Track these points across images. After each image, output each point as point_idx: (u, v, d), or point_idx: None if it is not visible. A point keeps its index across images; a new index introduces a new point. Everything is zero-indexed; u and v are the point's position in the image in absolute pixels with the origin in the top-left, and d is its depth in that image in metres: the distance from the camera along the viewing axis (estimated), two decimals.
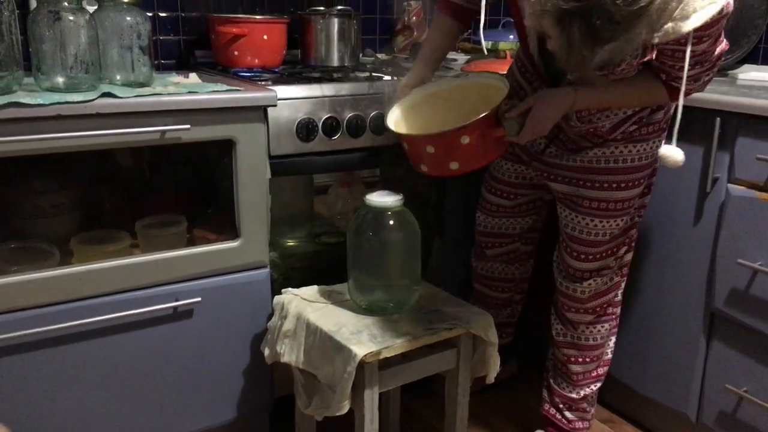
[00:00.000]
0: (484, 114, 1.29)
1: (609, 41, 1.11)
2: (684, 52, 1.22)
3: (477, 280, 1.86)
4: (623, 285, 1.64)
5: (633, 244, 1.61)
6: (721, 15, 1.17)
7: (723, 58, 1.31)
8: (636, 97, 1.38)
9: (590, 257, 1.56)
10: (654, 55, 1.29)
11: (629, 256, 1.62)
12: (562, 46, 1.13)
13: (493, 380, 1.51)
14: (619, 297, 1.64)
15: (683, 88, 1.26)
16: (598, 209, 1.51)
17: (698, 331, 1.65)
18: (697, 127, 1.56)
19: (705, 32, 1.19)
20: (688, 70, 1.24)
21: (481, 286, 1.86)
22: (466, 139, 1.30)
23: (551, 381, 1.73)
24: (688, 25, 1.16)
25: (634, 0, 1.05)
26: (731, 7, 1.18)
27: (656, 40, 1.20)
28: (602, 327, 1.63)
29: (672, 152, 1.27)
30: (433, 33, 1.59)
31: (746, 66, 2.01)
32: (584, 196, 1.52)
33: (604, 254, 1.55)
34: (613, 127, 1.44)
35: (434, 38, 1.57)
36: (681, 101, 1.28)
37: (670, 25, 1.16)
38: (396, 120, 1.45)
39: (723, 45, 1.27)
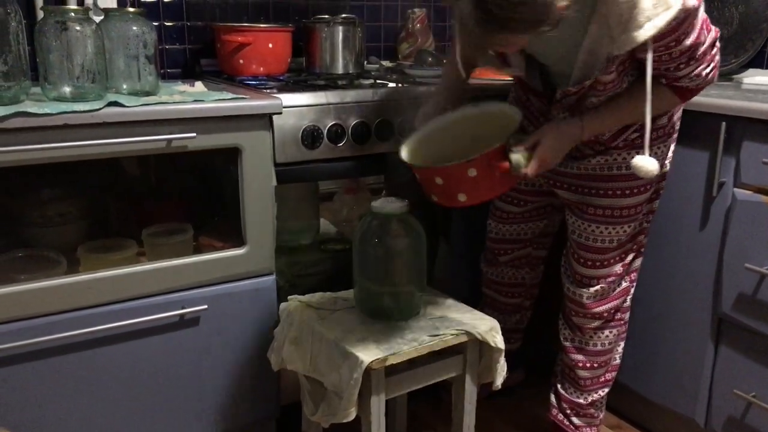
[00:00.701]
0: (491, 148, 1.30)
1: (506, 23, 1.09)
2: (671, 53, 1.23)
3: (487, 285, 1.86)
4: (632, 291, 1.64)
5: (642, 249, 1.61)
6: (684, 15, 1.17)
7: (718, 46, 1.29)
8: (641, 111, 1.33)
9: (597, 264, 1.55)
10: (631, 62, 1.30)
11: (638, 262, 1.61)
12: (461, 35, 1.13)
13: (500, 386, 1.51)
14: (628, 302, 1.64)
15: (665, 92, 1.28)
16: (604, 216, 1.51)
17: (706, 336, 1.64)
18: (703, 131, 1.56)
19: (672, 36, 1.19)
20: (685, 67, 1.25)
21: (491, 291, 1.85)
22: (473, 172, 1.30)
23: (559, 386, 1.72)
24: (642, 35, 1.17)
25: None
26: (693, 3, 1.17)
27: (616, 52, 1.22)
28: (610, 332, 1.63)
29: (644, 162, 1.28)
30: (447, 66, 1.60)
31: (751, 70, 2.01)
32: (589, 203, 1.52)
33: (611, 261, 1.55)
34: (614, 135, 1.44)
35: (449, 72, 1.57)
36: (648, 118, 1.27)
37: (624, 36, 1.18)
38: (412, 148, 1.46)
39: (712, 33, 1.26)
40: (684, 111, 1.53)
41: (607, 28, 1.21)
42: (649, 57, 1.22)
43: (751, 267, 1.50)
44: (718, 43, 1.29)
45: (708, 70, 1.29)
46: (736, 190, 1.54)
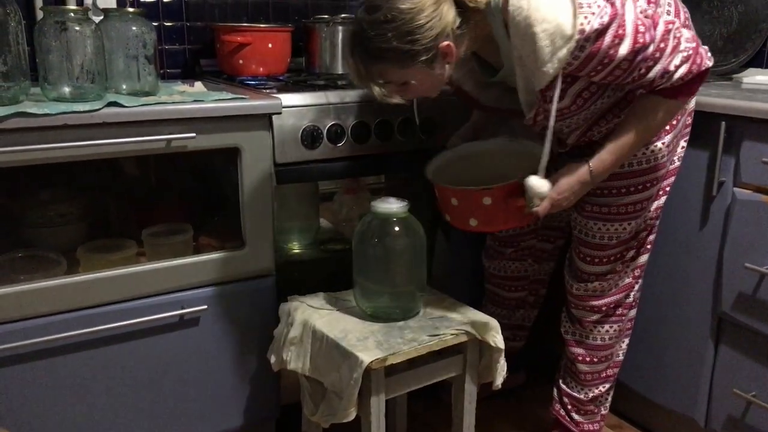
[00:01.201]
0: (509, 182, 1.33)
1: (381, 54, 1.25)
2: (620, 66, 1.22)
3: (489, 279, 1.87)
4: (637, 287, 1.63)
5: (649, 246, 1.60)
6: (587, 40, 1.18)
7: (679, 36, 1.23)
8: (643, 126, 1.33)
9: (596, 260, 1.55)
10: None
11: (643, 259, 1.60)
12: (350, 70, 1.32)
13: (500, 386, 1.51)
14: (631, 298, 1.63)
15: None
16: (601, 213, 1.51)
17: (706, 335, 1.64)
18: (703, 131, 1.56)
19: (599, 55, 1.20)
20: (647, 72, 1.23)
21: (493, 285, 1.86)
22: (488, 200, 1.34)
23: (560, 381, 1.73)
24: (551, 68, 1.21)
25: (372, 9, 1.23)
26: (594, 26, 1.17)
27: (538, 87, 1.27)
28: (610, 327, 1.63)
29: (536, 183, 1.30)
30: None
31: (751, 69, 2.01)
32: (587, 201, 1.52)
33: (612, 258, 1.55)
34: (604, 137, 1.43)
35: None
36: (548, 144, 1.29)
37: (539, 72, 1.23)
38: (438, 166, 1.50)
39: (660, 28, 1.22)
40: (694, 105, 1.52)
41: (526, 67, 1.26)
42: (557, 89, 1.25)
43: (751, 266, 1.50)
44: (679, 33, 1.24)
45: (677, 62, 1.23)
46: (735, 189, 1.54)
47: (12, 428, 1.37)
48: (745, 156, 1.51)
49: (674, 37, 1.24)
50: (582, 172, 1.36)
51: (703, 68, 1.27)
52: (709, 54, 1.29)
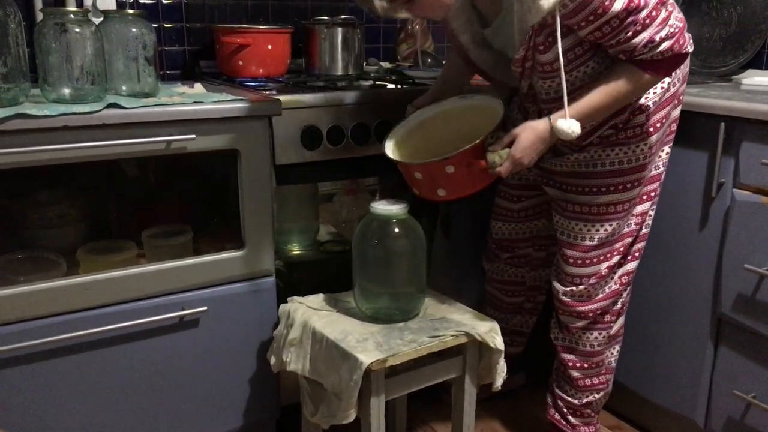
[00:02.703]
0: (468, 146, 1.32)
1: None
2: (609, 23, 1.22)
3: (489, 282, 1.88)
4: (624, 294, 1.62)
5: (637, 254, 1.60)
6: None
7: (671, 11, 1.24)
8: (614, 92, 1.32)
9: (578, 261, 1.55)
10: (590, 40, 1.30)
11: (630, 267, 1.59)
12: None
13: (499, 388, 1.51)
14: (619, 305, 1.62)
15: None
16: (581, 213, 1.51)
17: (705, 336, 1.64)
18: (702, 132, 1.56)
19: (594, 3, 1.20)
20: (633, 36, 1.23)
21: (492, 288, 1.87)
22: (450, 169, 1.34)
23: (554, 385, 1.72)
24: (546, 3, 1.20)
25: None
26: None
27: (531, 22, 1.26)
28: (598, 334, 1.62)
29: (563, 125, 1.30)
30: (446, 66, 1.65)
31: (750, 71, 2.01)
32: (570, 200, 1.53)
33: (594, 260, 1.55)
34: (586, 133, 1.43)
35: (446, 73, 1.63)
36: (564, 86, 1.28)
37: (534, 5, 1.22)
38: (398, 140, 1.49)
39: None
40: (682, 111, 1.53)
41: (525, 2, 1.25)
42: (557, 27, 1.24)
43: (751, 267, 1.50)
44: (671, 8, 1.25)
45: (662, 34, 1.24)
46: (735, 190, 1.54)
47: (11, 430, 1.36)
48: (745, 157, 1.51)
49: (666, 10, 1.25)
50: (542, 129, 1.35)
51: (683, 51, 1.28)
52: (691, 41, 1.31)
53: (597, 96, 1.33)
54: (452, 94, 1.56)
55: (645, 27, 1.23)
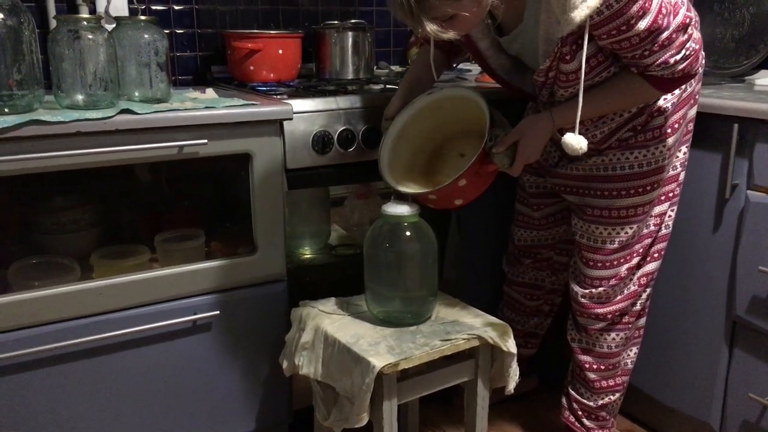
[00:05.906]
0: (474, 158, 1.35)
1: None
2: (629, 39, 1.22)
3: (508, 284, 1.88)
4: (644, 296, 1.62)
5: (657, 255, 1.59)
6: None
7: (691, 33, 1.25)
8: (617, 99, 1.35)
9: (599, 264, 1.55)
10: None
11: (650, 267, 1.59)
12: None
13: (512, 391, 1.50)
14: (638, 306, 1.62)
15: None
16: (601, 217, 1.51)
17: (720, 339, 1.63)
18: (715, 133, 1.55)
19: (620, 19, 1.19)
20: (650, 55, 1.24)
21: (511, 290, 1.87)
22: (462, 182, 1.36)
23: (569, 388, 1.72)
24: (578, 15, 1.19)
25: None
26: None
27: (559, 34, 1.26)
28: (616, 335, 1.62)
29: (571, 140, 1.30)
30: (414, 64, 1.63)
31: (763, 71, 2.00)
32: (588, 204, 1.52)
33: (614, 262, 1.54)
34: (605, 137, 1.45)
35: (413, 70, 1.60)
36: (580, 96, 1.28)
37: (564, 17, 1.21)
38: (390, 159, 1.50)
39: (679, 18, 1.22)
40: (696, 113, 1.52)
41: (552, 13, 1.25)
42: (585, 39, 1.25)
43: (765, 269, 1.49)
44: (691, 31, 1.25)
45: (678, 57, 1.25)
46: (749, 192, 1.53)
47: None
48: (759, 158, 1.50)
49: (687, 33, 1.25)
50: (544, 124, 1.38)
51: (693, 72, 1.29)
52: (703, 61, 1.33)
53: (600, 100, 1.35)
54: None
55: (662, 48, 1.24)
